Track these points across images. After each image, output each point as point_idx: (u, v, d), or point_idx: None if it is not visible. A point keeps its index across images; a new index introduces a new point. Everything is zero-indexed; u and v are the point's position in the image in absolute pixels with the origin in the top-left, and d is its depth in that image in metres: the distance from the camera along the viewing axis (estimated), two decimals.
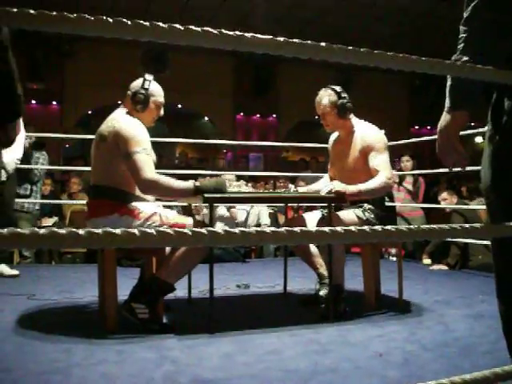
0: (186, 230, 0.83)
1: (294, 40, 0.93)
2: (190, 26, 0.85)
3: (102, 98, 10.47)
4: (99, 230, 0.72)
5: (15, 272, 4.35)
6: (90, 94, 10.95)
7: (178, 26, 0.84)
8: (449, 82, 1.50)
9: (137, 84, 2.95)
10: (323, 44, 0.96)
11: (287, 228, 0.87)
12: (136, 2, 9.28)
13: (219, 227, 4.96)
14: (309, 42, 0.95)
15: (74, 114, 11.38)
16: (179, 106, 12.24)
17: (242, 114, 12.85)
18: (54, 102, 11.14)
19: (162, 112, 3.03)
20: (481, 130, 4.19)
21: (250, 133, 13.01)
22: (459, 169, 1.57)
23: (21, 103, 1.79)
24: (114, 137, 2.74)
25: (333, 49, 0.96)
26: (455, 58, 1.47)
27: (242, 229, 0.82)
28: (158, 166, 2.93)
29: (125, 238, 0.74)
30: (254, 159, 12.72)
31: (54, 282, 4.19)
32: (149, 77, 2.96)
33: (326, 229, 0.92)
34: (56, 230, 0.70)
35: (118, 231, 0.74)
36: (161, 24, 0.83)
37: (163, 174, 2.85)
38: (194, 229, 0.81)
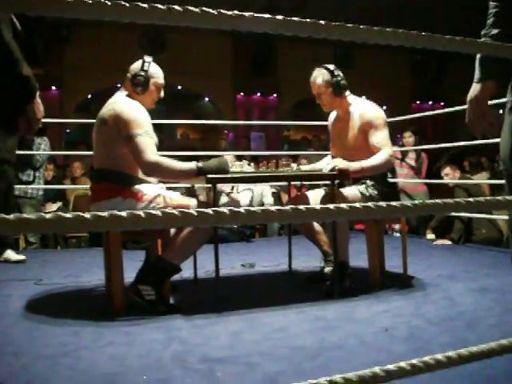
0: (190, 210, 0.83)
1: (293, 18, 0.93)
2: (189, 7, 0.85)
3: (101, 81, 10.42)
4: (105, 213, 0.73)
5: (22, 257, 4.36)
6: (90, 78, 10.89)
7: (176, 7, 0.83)
8: (479, 54, 1.50)
9: (136, 66, 2.92)
10: (322, 22, 0.95)
11: (292, 206, 0.87)
12: None
13: None
14: (308, 20, 0.94)
15: (74, 99, 11.35)
16: (179, 87, 12.17)
17: (242, 93, 12.78)
18: (54, 87, 11.10)
19: (162, 94, 3.01)
20: (495, 101, 3.80)
21: (251, 112, 12.93)
22: (488, 140, 1.58)
23: (30, 83, 1.75)
24: (115, 120, 2.74)
25: (332, 26, 0.95)
26: (484, 32, 1.47)
27: (247, 207, 0.83)
28: (159, 147, 2.93)
29: (130, 220, 0.75)
30: (255, 139, 12.65)
31: (61, 266, 4.21)
32: (148, 58, 2.94)
33: (331, 206, 0.92)
34: (62, 214, 0.71)
35: (123, 213, 0.74)
36: (159, 6, 0.82)
37: (165, 156, 2.85)
38: (198, 209, 0.82)
